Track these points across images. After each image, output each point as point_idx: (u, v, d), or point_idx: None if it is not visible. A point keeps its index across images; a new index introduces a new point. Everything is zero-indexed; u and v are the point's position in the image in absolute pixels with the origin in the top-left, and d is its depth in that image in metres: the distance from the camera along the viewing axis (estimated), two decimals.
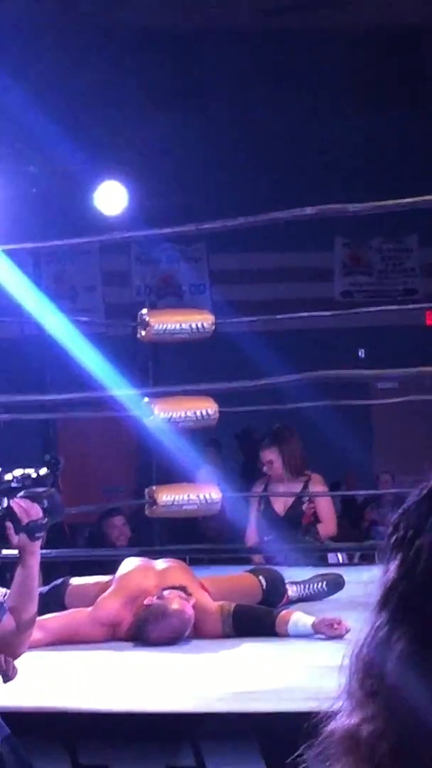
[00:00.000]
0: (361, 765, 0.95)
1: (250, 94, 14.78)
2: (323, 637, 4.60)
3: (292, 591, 5.66)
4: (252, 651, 4.52)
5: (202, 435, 9.24)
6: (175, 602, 4.77)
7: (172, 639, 4.72)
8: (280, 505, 7.66)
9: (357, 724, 0.96)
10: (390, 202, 5.57)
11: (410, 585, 0.96)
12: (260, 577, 5.44)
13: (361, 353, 14.15)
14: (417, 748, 0.93)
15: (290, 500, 7.62)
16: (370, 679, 0.98)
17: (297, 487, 7.70)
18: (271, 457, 7.67)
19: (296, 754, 1.06)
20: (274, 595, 5.40)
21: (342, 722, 0.98)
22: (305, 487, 7.73)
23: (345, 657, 1.02)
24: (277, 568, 5.93)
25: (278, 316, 8.10)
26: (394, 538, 1.00)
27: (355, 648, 1.00)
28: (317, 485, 7.85)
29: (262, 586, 5.37)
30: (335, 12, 14.60)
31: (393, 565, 0.98)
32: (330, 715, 1.00)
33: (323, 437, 12.47)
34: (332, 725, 0.99)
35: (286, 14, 14.57)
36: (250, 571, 5.66)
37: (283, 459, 7.68)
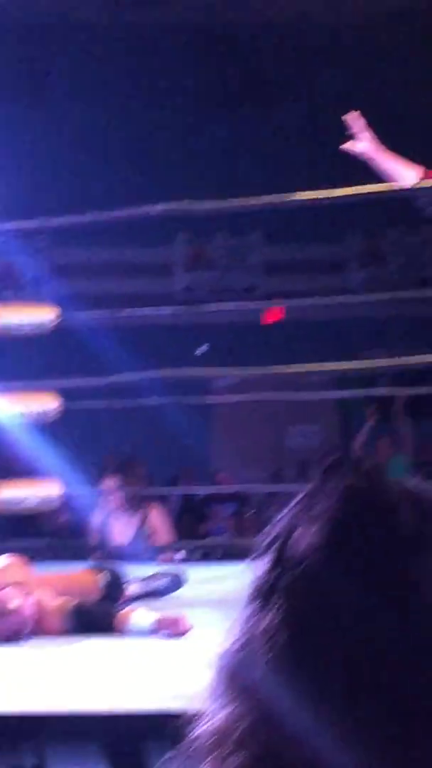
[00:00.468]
0: (227, 765, 0.94)
1: (95, 87, 14.71)
2: (164, 634, 4.60)
3: (132, 588, 5.65)
4: (93, 649, 4.49)
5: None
6: (14, 600, 4.71)
7: (11, 637, 4.67)
8: (120, 535, 7.75)
9: (224, 725, 0.95)
10: (235, 201, 5.59)
11: (282, 581, 0.95)
12: (101, 575, 5.41)
13: (202, 349, 14.20)
14: (281, 750, 0.92)
15: (131, 531, 7.73)
16: (237, 679, 0.97)
17: (135, 522, 7.81)
18: (112, 486, 7.74)
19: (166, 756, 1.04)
20: (114, 593, 5.38)
21: (208, 723, 0.97)
22: (143, 521, 7.85)
23: (211, 657, 1.01)
24: (117, 564, 5.91)
25: (122, 311, 8.07)
26: (269, 538, 0.99)
27: (222, 648, 0.99)
28: (155, 519, 7.96)
29: (102, 583, 5.35)
30: (177, 8, 14.63)
31: (265, 563, 0.97)
32: (192, 716, 0.99)
33: (163, 432, 12.51)
34: (197, 726, 0.98)
35: (132, 8, 14.55)
36: (91, 568, 5.64)
37: (125, 493, 7.75)
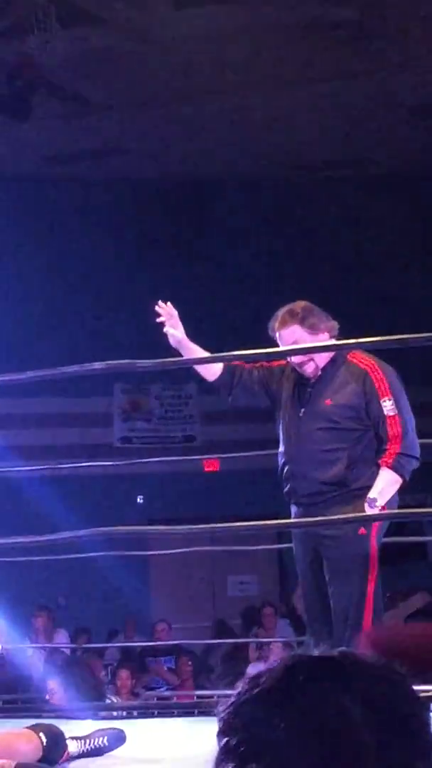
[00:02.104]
0: None
1: (29, 240, 14.87)
2: None
3: (73, 747, 5.53)
4: None
5: None
6: None
7: None
8: (58, 691, 7.82)
9: None
10: (177, 360, 5.67)
11: None
12: (40, 734, 5.29)
13: (140, 499, 14.19)
14: None
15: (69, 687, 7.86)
16: None
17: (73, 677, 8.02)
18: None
19: None
20: (55, 752, 5.25)
21: None
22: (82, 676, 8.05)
23: None
24: (55, 723, 5.79)
25: (61, 465, 8.07)
26: (225, 740, 0.98)
27: None
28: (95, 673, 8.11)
29: (42, 742, 5.22)
30: (118, 162, 14.90)
31: None
32: None
33: (104, 586, 12.40)
34: None
35: (69, 162, 14.79)
36: (30, 727, 5.51)
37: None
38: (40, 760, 5.05)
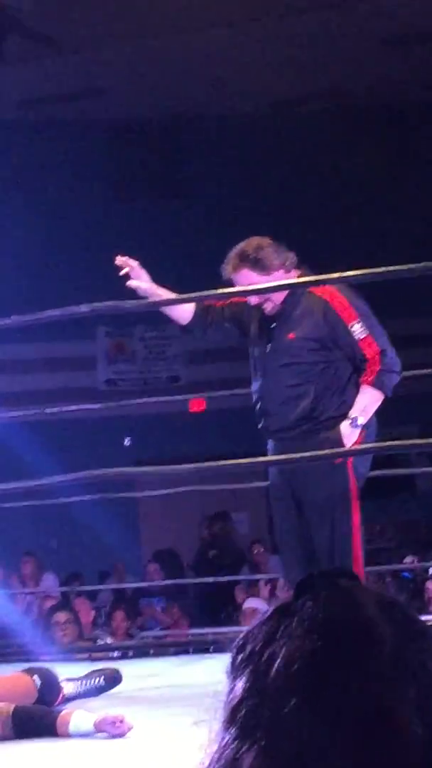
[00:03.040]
0: None
1: (7, 186, 14.77)
2: (106, 735, 4.53)
3: (69, 688, 5.56)
4: (33, 754, 4.41)
5: None
6: None
7: None
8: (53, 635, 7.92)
9: None
10: (163, 300, 5.62)
11: (259, 698, 0.94)
12: (34, 677, 5.31)
13: (127, 441, 14.17)
14: None
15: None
16: None
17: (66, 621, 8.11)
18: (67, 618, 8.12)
19: None
20: (49, 695, 5.27)
21: None
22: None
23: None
24: (51, 663, 5.82)
25: (44, 409, 8.04)
26: (240, 656, 0.98)
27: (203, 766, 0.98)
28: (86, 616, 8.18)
29: (36, 685, 5.24)
30: (92, 103, 14.79)
31: (240, 683, 0.96)
32: None
33: (91, 529, 12.41)
34: None
35: (44, 105, 14.68)
36: (24, 671, 5.53)
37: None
38: (35, 703, 5.08)
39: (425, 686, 0.95)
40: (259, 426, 5.51)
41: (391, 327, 5.52)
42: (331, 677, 0.93)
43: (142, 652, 7.96)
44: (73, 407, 7.86)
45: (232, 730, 0.95)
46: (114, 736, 4.49)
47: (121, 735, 4.48)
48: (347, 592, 0.98)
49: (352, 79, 14.92)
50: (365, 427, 5.35)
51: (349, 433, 5.28)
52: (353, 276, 5.28)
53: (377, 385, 5.31)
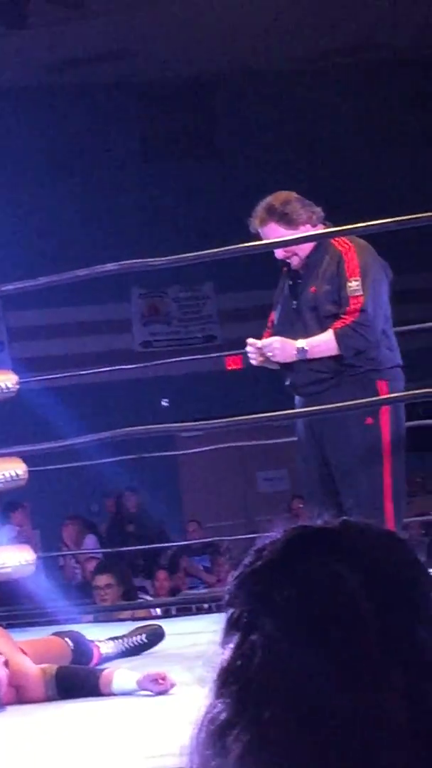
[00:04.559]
0: None
1: (38, 151, 14.77)
2: (149, 693, 4.56)
3: (111, 647, 5.60)
4: (80, 713, 4.45)
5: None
6: None
7: None
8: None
9: None
10: (190, 255, 5.61)
11: (246, 682, 0.93)
12: (66, 639, 5.36)
13: (165, 402, 14.21)
14: None
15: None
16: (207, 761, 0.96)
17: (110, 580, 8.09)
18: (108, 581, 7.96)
19: None
20: (83, 656, 5.33)
21: None
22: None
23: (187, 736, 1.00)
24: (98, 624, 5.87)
25: (81, 372, 8.07)
26: (230, 612, 0.98)
27: (194, 729, 0.98)
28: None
29: (70, 647, 5.29)
30: (119, 65, 14.74)
31: (228, 648, 0.96)
32: None
33: (131, 489, 12.45)
34: None
35: (71, 69, 14.64)
36: (55, 634, 5.58)
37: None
38: (71, 664, 5.12)
39: (414, 666, 0.93)
40: (286, 383, 5.48)
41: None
42: (307, 660, 0.92)
43: (184, 611, 7.99)
44: (111, 368, 7.85)
45: (222, 702, 0.94)
46: (157, 693, 4.52)
47: (164, 692, 4.51)
48: (325, 563, 0.96)
49: (376, 32, 14.78)
50: (392, 381, 5.32)
51: (286, 352, 5.24)
52: (374, 225, 5.25)
53: (339, 335, 5.20)
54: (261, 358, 5.32)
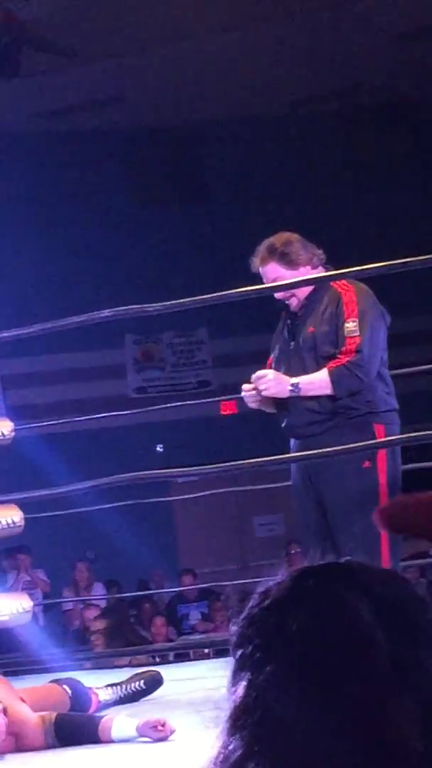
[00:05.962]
0: None
1: (27, 197, 14.82)
2: (149, 740, 4.54)
3: (109, 694, 5.58)
4: (79, 760, 4.42)
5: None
6: None
7: None
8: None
9: None
10: (185, 300, 5.62)
11: (262, 716, 0.94)
12: (64, 686, 5.33)
13: (160, 448, 14.20)
14: None
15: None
16: None
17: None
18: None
19: None
20: (81, 703, 5.30)
21: None
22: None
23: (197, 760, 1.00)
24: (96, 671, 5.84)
25: (76, 419, 8.06)
26: (240, 652, 0.98)
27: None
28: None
29: (68, 694, 5.27)
30: (109, 111, 14.84)
31: (241, 686, 0.96)
32: None
33: (125, 538, 12.42)
34: None
35: (62, 116, 14.72)
36: (53, 681, 5.55)
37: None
38: (70, 711, 5.09)
39: (426, 692, 0.94)
40: (282, 424, 5.47)
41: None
42: (323, 688, 0.93)
43: (181, 657, 7.96)
44: (105, 414, 7.85)
45: (237, 739, 0.95)
46: (157, 740, 4.49)
47: (163, 739, 4.48)
48: (336, 594, 0.97)
49: (367, 77, 14.90)
50: (389, 425, 5.31)
51: (280, 386, 5.25)
52: (373, 268, 5.28)
53: (333, 375, 5.20)
54: (258, 398, 5.33)
